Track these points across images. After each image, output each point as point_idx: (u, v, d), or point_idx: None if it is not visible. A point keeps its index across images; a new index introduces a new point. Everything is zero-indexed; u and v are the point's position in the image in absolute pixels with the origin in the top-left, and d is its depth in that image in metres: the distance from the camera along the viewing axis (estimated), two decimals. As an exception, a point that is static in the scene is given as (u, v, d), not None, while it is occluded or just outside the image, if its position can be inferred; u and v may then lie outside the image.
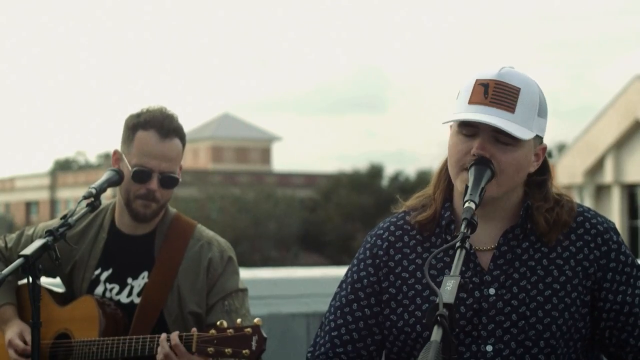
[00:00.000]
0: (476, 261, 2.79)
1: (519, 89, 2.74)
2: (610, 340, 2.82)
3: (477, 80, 2.75)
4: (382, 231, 2.92)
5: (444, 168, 2.89)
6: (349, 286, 2.90)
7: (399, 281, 2.84)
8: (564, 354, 2.75)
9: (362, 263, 2.90)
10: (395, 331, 2.81)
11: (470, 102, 2.73)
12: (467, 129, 2.75)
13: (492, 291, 2.76)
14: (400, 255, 2.86)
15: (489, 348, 2.73)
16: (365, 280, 2.88)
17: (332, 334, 2.88)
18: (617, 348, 2.82)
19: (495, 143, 2.73)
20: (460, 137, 2.76)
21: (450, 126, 2.84)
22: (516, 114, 2.72)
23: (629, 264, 2.83)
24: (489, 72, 2.76)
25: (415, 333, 2.78)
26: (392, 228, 2.91)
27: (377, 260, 2.88)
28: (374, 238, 2.92)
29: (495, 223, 2.82)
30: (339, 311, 2.89)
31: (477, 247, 2.81)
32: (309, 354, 2.93)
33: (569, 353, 2.77)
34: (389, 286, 2.84)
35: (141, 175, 3.72)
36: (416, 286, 2.82)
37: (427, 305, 2.77)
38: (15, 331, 3.74)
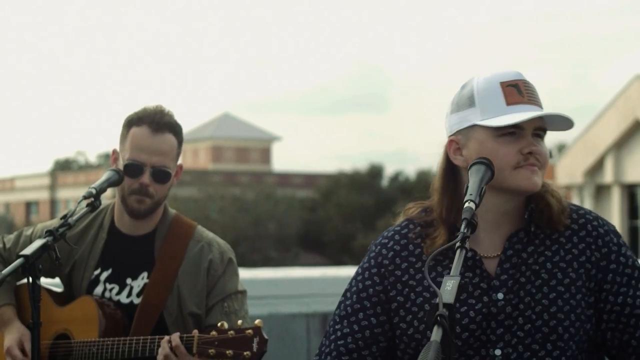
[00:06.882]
0: (482, 267, 2.80)
1: (535, 86, 2.84)
2: (612, 342, 2.82)
3: (501, 82, 2.80)
4: (387, 240, 2.92)
5: (447, 180, 2.86)
6: (354, 295, 2.89)
7: (407, 289, 2.84)
8: (574, 356, 2.75)
9: (367, 272, 2.90)
10: (405, 339, 2.82)
11: (510, 103, 2.78)
12: (509, 130, 2.77)
13: (500, 296, 2.77)
14: (406, 264, 2.86)
15: (498, 352, 2.74)
16: (371, 290, 2.88)
17: (338, 342, 2.87)
18: (620, 350, 2.82)
19: (534, 139, 2.79)
20: (501, 140, 2.77)
21: (457, 134, 2.83)
22: (545, 109, 2.81)
23: (629, 265, 2.83)
24: (508, 74, 2.82)
25: (426, 339, 2.77)
26: (396, 237, 2.91)
27: (383, 270, 2.88)
28: (379, 247, 2.92)
29: (500, 230, 2.84)
30: (345, 320, 2.88)
31: (483, 255, 2.82)
32: None
33: (577, 355, 2.77)
34: (397, 295, 2.85)
35: (133, 169, 3.72)
36: (424, 293, 2.82)
37: None
38: (14, 338, 3.72)
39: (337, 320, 2.90)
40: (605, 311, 2.80)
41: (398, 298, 2.84)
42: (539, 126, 2.80)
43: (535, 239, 2.82)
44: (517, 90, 2.78)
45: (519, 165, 2.76)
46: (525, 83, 2.81)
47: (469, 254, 2.78)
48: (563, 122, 2.81)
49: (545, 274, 2.79)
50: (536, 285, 2.78)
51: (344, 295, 2.93)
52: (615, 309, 2.79)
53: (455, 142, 2.84)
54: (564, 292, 2.77)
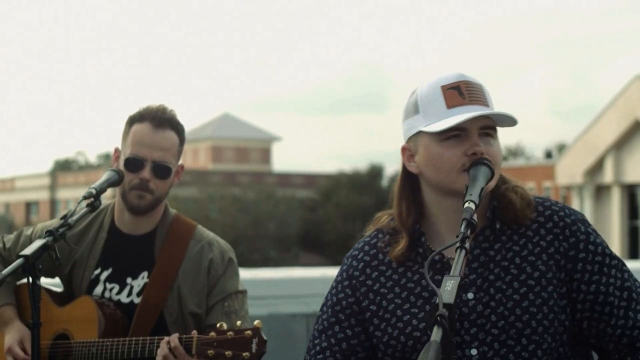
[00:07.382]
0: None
1: (481, 85, 2.81)
2: (589, 332, 2.81)
3: (442, 86, 2.79)
4: (357, 252, 2.95)
5: (403, 186, 2.89)
6: (329, 309, 2.93)
7: (379, 297, 2.86)
8: (551, 348, 2.75)
9: (340, 285, 2.93)
10: (382, 347, 2.84)
11: (450, 106, 2.76)
12: (453, 133, 2.75)
13: (470, 295, 2.77)
14: (377, 273, 2.89)
15: (474, 352, 2.74)
16: (344, 302, 2.90)
17: (317, 357, 2.91)
18: (597, 339, 2.81)
19: (482, 139, 2.77)
20: (445, 144, 2.77)
21: (408, 141, 2.85)
22: (491, 107, 2.79)
23: (599, 253, 2.82)
24: (449, 77, 2.80)
25: (400, 344, 2.79)
26: (366, 248, 2.94)
27: (354, 281, 2.90)
28: (350, 259, 2.95)
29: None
30: (323, 335, 2.91)
31: (450, 257, 2.80)
32: None
33: (557, 347, 2.76)
34: (370, 304, 2.87)
35: (133, 163, 3.73)
36: (395, 300, 2.84)
37: (408, 316, 2.79)
38: (15, 338, 3.73)
39: (316, 335, 2.94)
40: (579, 301, 2.79)
41: (371, 307, 2.86)
42: (486, 125, 2.77)
43: (502, 236, 2.82)
44: (458, 92, 2.77)
45: (465, 167, 2.74)
46: (467, 84, 2.78)
47: (437, 257, 2.80)
48: (508, 118, 2.78)
49: (515, 269, 2.78)
50: (506, 282, 2.77)
51: (321, 309, 2.96)
52: (588, 298, 2.78)
53: (408, 150, 2.87)
54: (535, 285, 2.76)
